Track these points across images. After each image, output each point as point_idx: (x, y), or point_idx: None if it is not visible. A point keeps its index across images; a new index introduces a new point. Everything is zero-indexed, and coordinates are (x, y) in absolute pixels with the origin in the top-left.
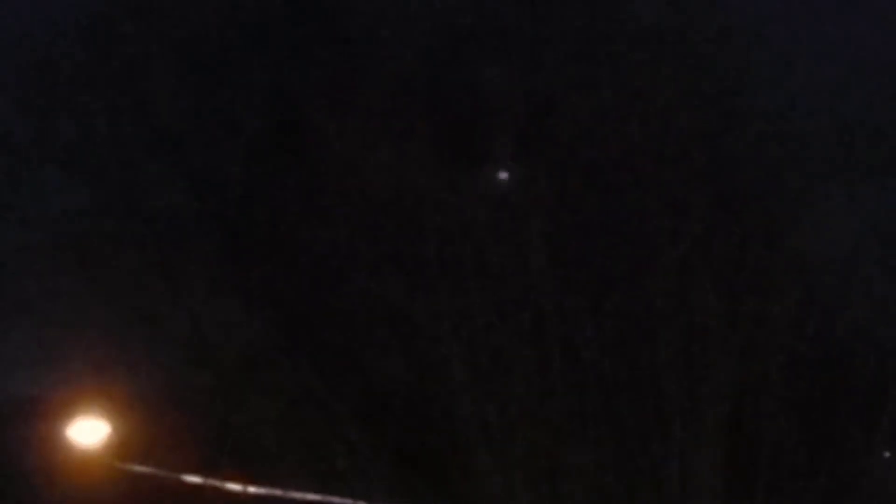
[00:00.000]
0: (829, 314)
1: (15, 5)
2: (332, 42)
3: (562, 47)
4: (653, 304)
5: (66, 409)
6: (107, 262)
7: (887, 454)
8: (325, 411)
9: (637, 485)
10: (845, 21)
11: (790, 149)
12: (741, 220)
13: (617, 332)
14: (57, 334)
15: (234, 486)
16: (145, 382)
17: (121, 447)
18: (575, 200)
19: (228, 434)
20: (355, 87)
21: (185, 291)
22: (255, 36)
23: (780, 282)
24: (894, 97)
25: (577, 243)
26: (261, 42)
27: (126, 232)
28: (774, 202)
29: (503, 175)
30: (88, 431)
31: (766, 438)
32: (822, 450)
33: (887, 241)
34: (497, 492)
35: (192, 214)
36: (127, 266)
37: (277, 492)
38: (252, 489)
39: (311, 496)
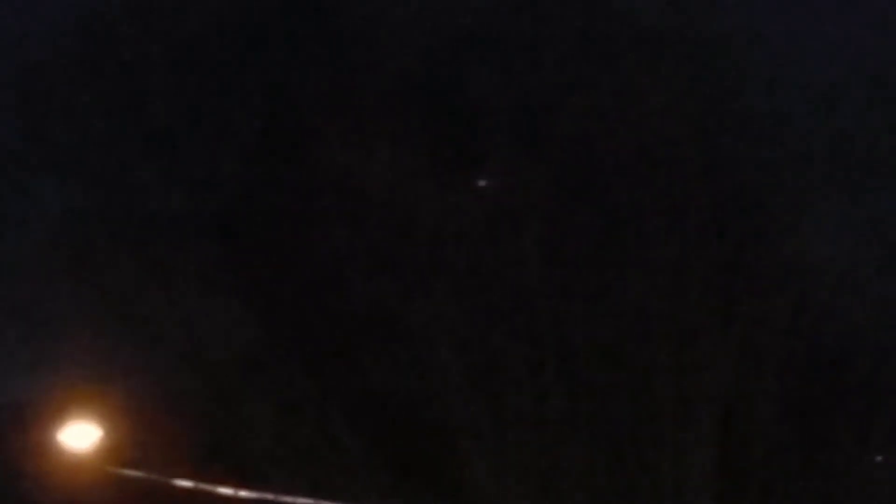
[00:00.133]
0: (822, 318)
1: (9, 6)
2: (329, 45)
3: (558, 49)
4: (647, 306)
5: (58, 414)
6: (99, 265)
7: (880, 458)
8: (318, 415)
9: (631, 486)
10: (841, 23)
11: (785, 151)
12: (736, 222)
13: (611, 335)
14: (48, 338)
15: (226, 490)
16: (137, 386)
17: (112, 452)
18: (569, 203)
19: (221, 438)
20: (351, 90)
21: (178, 295)
22: (251, 38)
23: (774, 285)
24: (890, 100)
25: (571, 246)
26: (257, 44)
27: (119, 235)
28: (769, 204)
29: (482, 183)
30: (80, 436)
31: (760, 441)
32: (816, 453)
33: (882, 244)
34: (491, 495)
35: (186, 218)
36: (119, 269)
37: (269, 496)
38: (244, 493)
39: (302, 500)
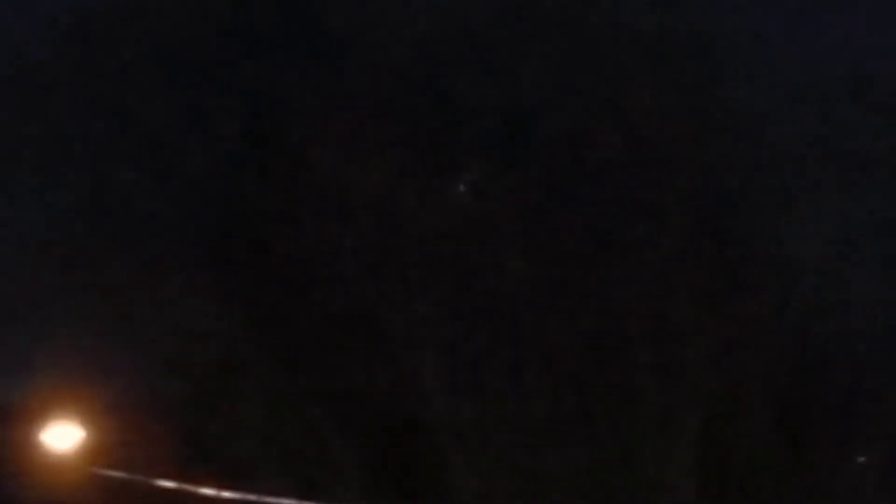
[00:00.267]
0: (806, 319)
1: None
2: (314, 49)
3: (545, 52)
4: (632, 306)
5: (41, 414)
6: (83, 267)
7: (862, 459)
8: (302, 416)
9: (613, 487)
10: (830, 24)
11: (772, 151)
12: (722, 221)
13: (596, 334)
14: (31, 340)
15: (209, 491)
16: (120, 388)
17: (95, 452)
18: (554, 203)
19: (203, 439)
20: (336, 94)
21: (161, 297)
22: (236, 42)
23: (758, 286)
24: (876, 100)
25: (556, 246)
26: (242, 48)
27: (103, 237)
28: (755, 204)
29: (462, 187)
30: (62, 436)
31: (742, 441)
32: (798, 454)
33: (866, 245)
34: (474, 496)
35: (170, 220)
36: (103, 271)
37: (252, 497)
38: (227, 494)
39: (286, 501)
